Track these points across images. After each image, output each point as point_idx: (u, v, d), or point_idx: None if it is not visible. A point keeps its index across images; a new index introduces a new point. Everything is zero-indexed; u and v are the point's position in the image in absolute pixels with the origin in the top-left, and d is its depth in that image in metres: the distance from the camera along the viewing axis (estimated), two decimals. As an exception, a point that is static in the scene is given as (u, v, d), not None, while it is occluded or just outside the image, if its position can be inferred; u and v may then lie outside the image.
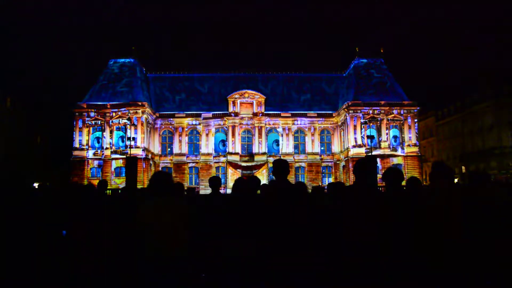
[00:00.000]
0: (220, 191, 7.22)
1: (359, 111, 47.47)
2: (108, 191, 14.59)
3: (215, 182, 6.85)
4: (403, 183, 5.90)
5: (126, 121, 45.29)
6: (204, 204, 6.65)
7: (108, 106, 47.00)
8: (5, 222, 4.62)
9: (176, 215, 4.33)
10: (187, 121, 51.88)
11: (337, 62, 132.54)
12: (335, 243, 4.86)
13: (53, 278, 4.97)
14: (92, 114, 47.08)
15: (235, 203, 5.07)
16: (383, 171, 5.30)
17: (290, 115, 52.01)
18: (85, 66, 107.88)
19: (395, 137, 48.16)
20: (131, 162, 17.12)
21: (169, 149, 52.16)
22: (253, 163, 49.62)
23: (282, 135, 52.07)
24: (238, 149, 50.43)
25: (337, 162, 51.62)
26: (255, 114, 51.32)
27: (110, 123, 46.90)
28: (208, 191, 6.95)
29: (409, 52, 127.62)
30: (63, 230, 5.41)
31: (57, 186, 6.45)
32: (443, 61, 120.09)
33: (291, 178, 46.95)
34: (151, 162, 49.02)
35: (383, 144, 47.14)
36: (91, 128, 47.12)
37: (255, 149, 50.42)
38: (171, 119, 51.98)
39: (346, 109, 47.96)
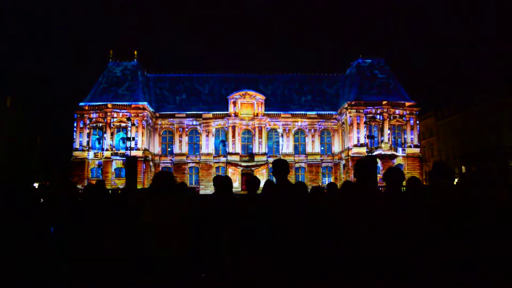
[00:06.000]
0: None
1: (361, 110, 47.41)
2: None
3: (223, 182, 6.34)
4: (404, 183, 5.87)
5: (126, 122, 45.28)
6: (204, 204, 6.60)
7: (109, 107, 47.01)
8: (4, 222, 4.60)
9: (177, 215, 4.31)
10: (187, 121, 51.89)
11: (337, 63, 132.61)
12: (335, 243, 4.85)
13: (50, 277, 4.96)
14: (93, 115, 47.07)
15: (235, 203, 5.06)
16: (384, 171, 5.28)
17: (290, 115, 52.03)
18: (85, 66, 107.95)
19: (396, 137, 48.09)
20: (131, 163, 17.12)
21: (169, 149, 52.17)
22: (253, 164, 49.63)
23: (282, 136, 52.10)
24: (238, 149, 50.45)
25: (338, 162, 51.61)
26: (255, 115, 51.34)
27: (111, 124, 46.91)
28: (208, 191, 6.86)
29: (409, 52, 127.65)
30: (51, 228, 5.39)
31: (57, 185, 6.44)
32: (443, 61, 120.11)
33: (291, 178, 46.92)
34: (151, 162, 49.03)
35: (384, 144, 47.07)
36: (92, 129, 47.14)
37: (255, 150, 50.43)
38: (172, 119, 51.99)
39: (348, 108, 47.90)
